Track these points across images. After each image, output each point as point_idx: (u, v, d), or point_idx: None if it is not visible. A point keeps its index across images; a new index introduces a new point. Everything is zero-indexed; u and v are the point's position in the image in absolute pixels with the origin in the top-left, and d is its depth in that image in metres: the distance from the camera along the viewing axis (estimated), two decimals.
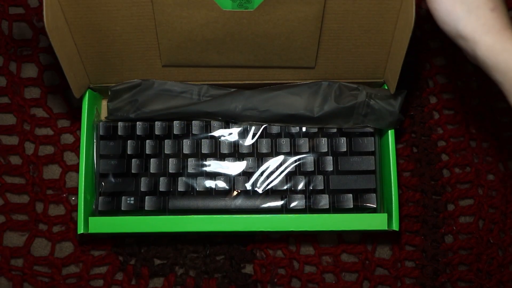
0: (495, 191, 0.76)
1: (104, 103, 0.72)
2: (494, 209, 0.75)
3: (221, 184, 0.67)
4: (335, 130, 0.69)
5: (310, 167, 0.68)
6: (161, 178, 0.67)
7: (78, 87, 0.65)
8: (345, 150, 0.69)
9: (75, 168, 0.74)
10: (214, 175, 0.68)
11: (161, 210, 0.67)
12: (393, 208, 0.65)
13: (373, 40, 0.63)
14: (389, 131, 0.67)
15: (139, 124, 0.68)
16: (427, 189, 0.75)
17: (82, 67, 0.65)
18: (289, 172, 0.68)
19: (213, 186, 0.67)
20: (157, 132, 0.68)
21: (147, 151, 0.68)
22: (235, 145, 0.69)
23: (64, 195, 0.74)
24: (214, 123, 0.69)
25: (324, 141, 0.69)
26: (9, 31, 0.77)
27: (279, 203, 0.67)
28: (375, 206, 0.68)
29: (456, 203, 0.75)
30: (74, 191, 0.73)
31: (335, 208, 0.68)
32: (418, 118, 0.77)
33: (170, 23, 0.61)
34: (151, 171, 0.68)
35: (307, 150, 0.69)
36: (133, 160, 0.68)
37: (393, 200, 0.65)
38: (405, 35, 0.57)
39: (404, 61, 0.61)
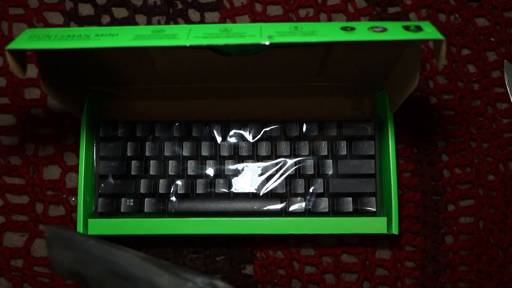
0: (495, 191, 0.76)
1: (104, 103, 0.72)
2: (494, 210, 0.75)
3: (221, 186, 0.67)
4: (335, 133, 0.69)
5: (310, 170, 0.68)
6: (161, 180, 0.67)
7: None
8: (345, 153, 0.69)
9: (75, 169, 0.74)
10: (213, 178, 0.68)
11: (161, 212, 0.67)
12: (393, 212, 0.65)
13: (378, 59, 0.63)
14: (390, 135, 0.66)
15: (139, 126, 0.68)
16: (428, 190, 0.75)
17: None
18: (289, 175, 0.68)
19: (213, 189, 0.67)
20: (157, 134, 0.68)
21: (147, 153, 0.68)
22: (235, 148, 0.69)
23: (64, 196, 0.74)
24: (215, 126, 0.69)
25: (324, 144, 0.69)
26: (9, 32, 0.77)
27: (278, 206, 0.67)
28: (374, 209, 0.67)
29: (457, 203, 0.75)
30: (74, 191, 0.73)
31: (335, 211, 0.68)
32: (418, 118, 0.76)
33: (168, 65, 0.62)
34: (150, 173, 0.68)
35: (307, 153, 0.69)
36: (132, 162, 0.68)
37: (393, 203, 0.65)
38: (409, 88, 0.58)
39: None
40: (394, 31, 0.50)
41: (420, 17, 0.77)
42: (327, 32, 0.50)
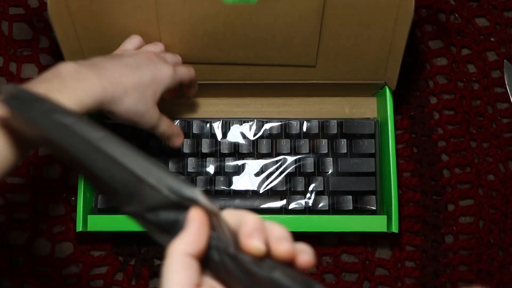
0: (495, 191, 0.76)
1: None
2: (494, 209, 0.75)
3: (221, 184, 0.67)
4: (335, 132, 0.69)
5: (310, 168, 0.68)
6: None
7: None
8: (346, 151, 0.69)
9: None
10: (213, 175, 0.68)
11: None
12: (393, 210, 0.65)
13: (373, 37, 0.62)
14: (390, 135, 0.66)
15: None
16: (428, 190, 0.75)
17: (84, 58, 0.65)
18: (289, 173, 0.68)
19: (213, 186, 0.67)
20: None
21: (148, 150, 0.68)
22: (235, 145, 0.69)
23: (64, 195, 0.74)
24: (215, 123, 0.69)
25: (324, 142, 0.69)
26: (9, 32, 0.77)
27: (278, 203, 0.67)
28: (374, 208, 0.68)
29: (457, 203, 0.75)
30: (74, 191, 0.73)
31: (335, 209, 0.68)
32: (418, 118, 0.76)
33: (172, 16, 0.60)
34: None
35: (307, 151, 0.69)
36: None
37: (393, 202, 0.65)
38: (405, 28, 0.57)
39: (405, 62, 0.61)
40: None
41: (420, 17, 0.78)
42: None
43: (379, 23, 0.61)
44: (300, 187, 0.68)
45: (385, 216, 0.65)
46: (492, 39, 0.79)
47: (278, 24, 0.61)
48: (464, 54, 0.78)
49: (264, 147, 0.68)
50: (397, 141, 0.74)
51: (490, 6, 0.79)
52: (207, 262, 0.34)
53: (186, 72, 0.61)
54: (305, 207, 0.67)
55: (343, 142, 0.69)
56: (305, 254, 0.36)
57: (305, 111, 0.72)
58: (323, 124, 0.70)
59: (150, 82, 0.55)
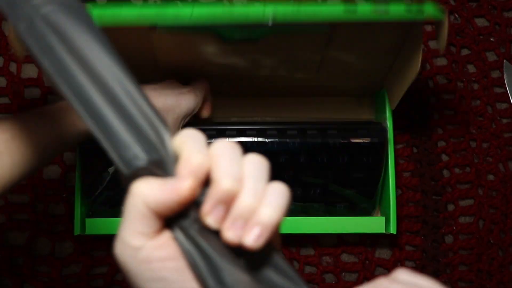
0: (495, 191, 0.76)
1: None
2: (494, 209, 0.75)
3: None
4: (334, 133, 0.67)
5: (307, 174, 0.67)
6: None
7: None
8: (343, 152, 0.67)
9: (75, 169, 0.74)
10: None
11: None
12: (391, 211, 0.64)
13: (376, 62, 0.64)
14: (389, 135, 0.66)
15: None
16: (428, 190, 0.75)
17: None
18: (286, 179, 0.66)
19: None
20: None
21: None
22: None
23: (64, 195, 0.74)
24: (208, 131, 0.66)
25: (321, 143, 0.67)
26: (9, 32, 0.77)
27: None
28: (372, 210, 0.68)
29: (456, 203, 0.75)
30: (74, 191, 0.73)
31: (332, 211, 0.67)
32: (418, 118, 0.76)
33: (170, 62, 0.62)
34: None
35: (305, 157, 0.67)
36: None
37: (391, 203, 0.65)
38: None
39: None
40: (396, 12, 0.51)
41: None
42: (329, 12, 0.50)
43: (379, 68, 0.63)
44: (298, 193, 0.67)
45: (383, 218, 0.65)
46: (491, 39, 0.79)
47: (281, 59, 0.63)
48: (464, 54, 0.78)
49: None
50: (397, 141, 0.74)
51: (489, 6, 0.79)
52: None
53: (204, 88, 0.64)
54: (303, 209, 0.66)
55: (341, 142, 0.67)
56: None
57: (303, 112, 0.72)
58: (322, 126, 0.68)
59: (173, 107, 0.58)
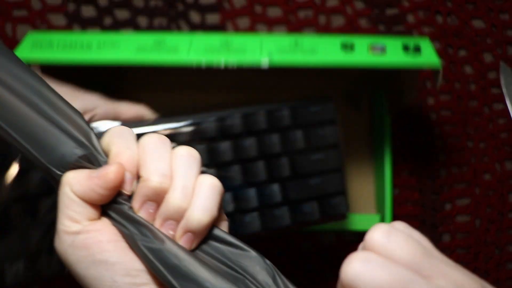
0: (492, 190, 0.76)
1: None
2: (491, 209, 0.76)
3: None
4: (287, 122, 0.55)
5: (261, 175, 0.54)
6: None
7: None
8: (303, 146, 0.55)
9: None
10: None
11: None
12: (386, 209, 0.65)
13: None
14: (386, 132, 0.67)
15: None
16: (425, 189, 0.76)
17: None
18: (233, 186, 0.52)
19: None
20: None
21: None
22: None
23: None
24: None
25: (274, 138, 0.54)
26: (13, 34, 0.78)
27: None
28: (345, 212, 0.56)
29: (454, 202, 0.76)
30: None
31: (298, 221, 0.54)
32: (415, 118, 0.77)
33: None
34: None
35: (255, 154, 0.54)
36: None
37: (386, 201, 0.65)
38: None
39: None
40: (393, 53, 0.52)
41: (418, 19, 0.78)
42: (327, 51, 0.51)
43: None
44: (251, 203, 0.53)
45: (378, 215, 0.65)
46: (488, 41, 0.79)
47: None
48: (461, 55, 0.79)
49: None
50: (395, 142, 0.75)
51: (486, 8, 0.80)
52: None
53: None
54: (261, 227, 0.53)
55: (298, 134, 0.55)
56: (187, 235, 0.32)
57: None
58: (271, 113, 0.54)
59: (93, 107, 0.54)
